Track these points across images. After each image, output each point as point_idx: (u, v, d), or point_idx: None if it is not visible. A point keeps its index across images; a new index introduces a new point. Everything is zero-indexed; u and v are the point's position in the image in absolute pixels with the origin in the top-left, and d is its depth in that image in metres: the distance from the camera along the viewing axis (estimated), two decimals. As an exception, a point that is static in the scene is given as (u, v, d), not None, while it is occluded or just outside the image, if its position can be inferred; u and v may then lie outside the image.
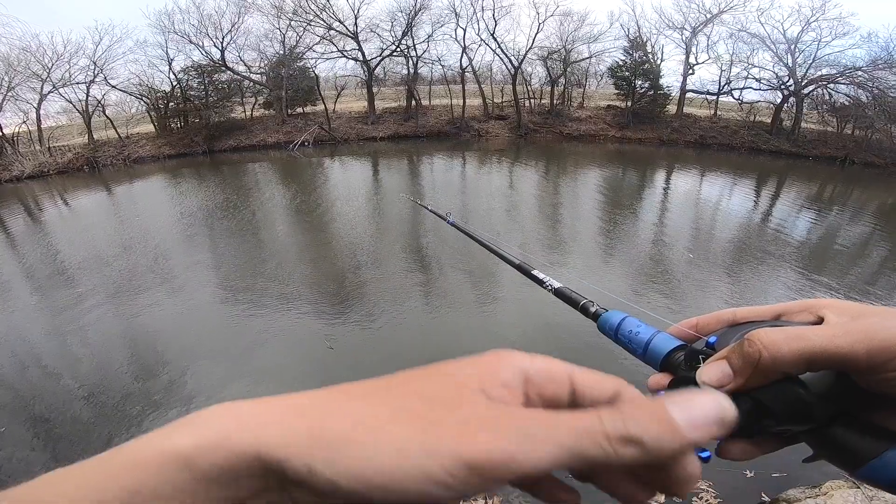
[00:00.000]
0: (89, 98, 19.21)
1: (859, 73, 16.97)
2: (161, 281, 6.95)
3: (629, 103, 20.92)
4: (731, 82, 20.39)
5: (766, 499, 3.12)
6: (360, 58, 21.48)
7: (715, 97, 20.89)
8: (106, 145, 19.06)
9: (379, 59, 21.66)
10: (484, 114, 22.18)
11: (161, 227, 9.97)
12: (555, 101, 21.99)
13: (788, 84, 18.81)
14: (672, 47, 29.08)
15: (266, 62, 21.51)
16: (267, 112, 22.13)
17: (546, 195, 12.44)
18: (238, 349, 5.02)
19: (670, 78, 22.56)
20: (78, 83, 19.00)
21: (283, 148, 19.48)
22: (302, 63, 21.84)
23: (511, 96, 21.68)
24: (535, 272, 0.60)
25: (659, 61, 20.60)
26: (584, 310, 0.50)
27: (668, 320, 0.41)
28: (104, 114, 19.82)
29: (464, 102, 21.50)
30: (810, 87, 18.50)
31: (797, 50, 18.39)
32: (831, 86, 18.14)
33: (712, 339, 0.34)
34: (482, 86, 22.40)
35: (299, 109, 22.26)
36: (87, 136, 19.15)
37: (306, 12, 20.13)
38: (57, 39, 21.59)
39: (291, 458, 0.19)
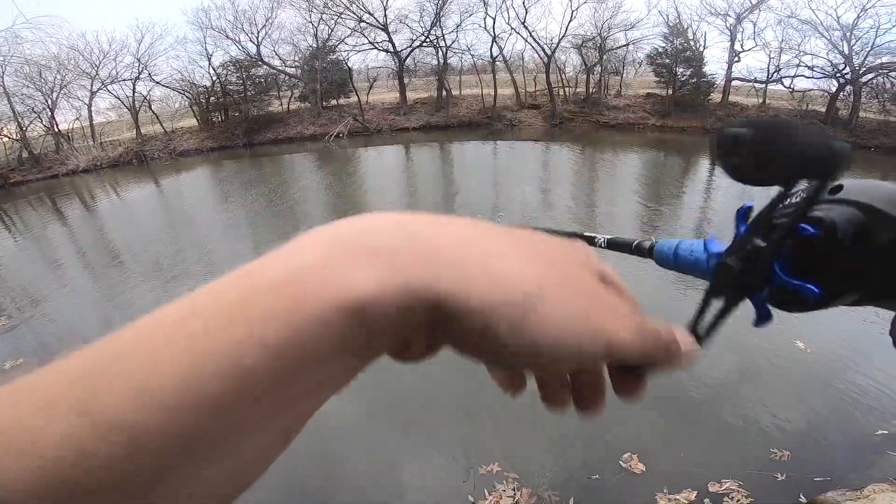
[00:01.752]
0: (135, 94, 20.06)
1: None
2: (205, 267, 7.25)
3: (670, 91, 20.11)
4: (780, 70, 19.27)
5: (804, 500, 3.04)
6: (391, 49, 21.53)
7: (763, 85, 19.81)
8: (153, 139, 19.90)
9: (409, 49, 21.65)
10: (516, 103, 21.84)
11: (207, 215, 10.38)
12: (591, 90, 21.38)
13: (844, 72, 17.63)
14: (715, 34, 27.77)
15: (300, 56, 21.90)
16: (302, 105, 22.55)
17: (583, 183, 12.20)
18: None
19: (714, 65, 21.51)
20: (124, 80, 19.87)
21: (319, 140, 19.82)
22: (335, 56, 22.09)
23: (544, 85, 21.24)
24: (585, 234, 0.58)
25: (702, 48, 19.67)
26: (638, 249, 0.48)
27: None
28: (150, 109, 20.66)
29: (495, 92, 21.23)
30: (869, 76, 17.29)
31: (853, 37, 17.17)
32: (893, 74, 16.91)
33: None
34: (514, 75, 22.03)
35: (333, 102, 22.57)
36: (135, 130, 20.03)
37: (336, 5, 20.31)
38: (102, 38, 22.56)
39: (472, 313, 0.17)
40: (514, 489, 3.18)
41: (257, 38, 20.56)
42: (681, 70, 19.78)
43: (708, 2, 19.48)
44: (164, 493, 0.15)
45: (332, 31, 21.17)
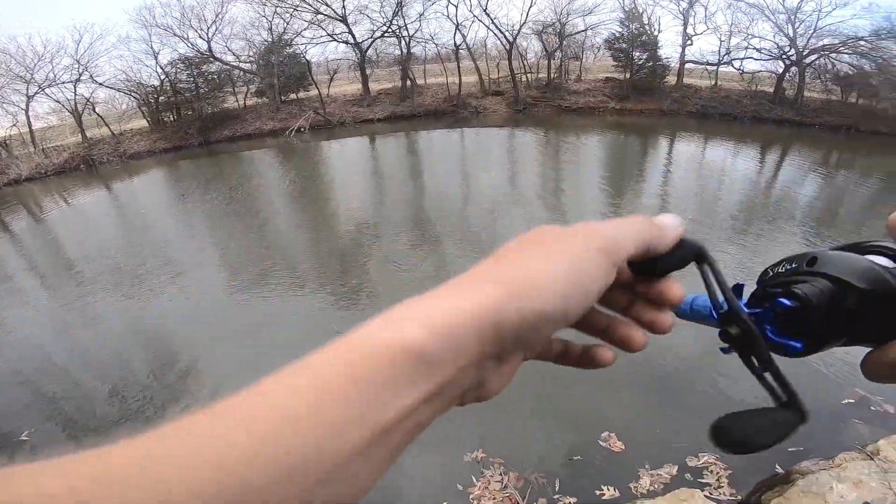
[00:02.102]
0: (77, 97, 18.81)
1: (862, 42, 16.65)
2: (172, 273, 6.92)
3: (628, 75, 20.57)
4: (730, 52, 20.00)
5: (781, 471, 3.16)
6: (351, 40, 21.01)
7: (715, 67, 20.52)
8: (101, 143, 18.74)
9: (371, 40, 21.19)
10: (481, 90, 21.85)
11: (163, 218, 9.90)
12: (552, 75, 21.62)
13: (790, 54, 18.46)
14: (669, 18, 28.53)
15: (255, 50, 21.06)
16: (260, 100, 21.76)
17: (548, 166, 12.34)
18: (245, 332, 5.01)
19: (669, 49, 22.00)
20: (63, 83, 18.57)
21: (280, 135, 19.21)
22: (292, 49, 21.37)
23: (507, 71, 21.32)
24: None
25: (656, 32, 20.17)
26: None
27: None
28: (94, 112, 19.44)
29: (459, 80, 21.15)
30: (812, 57, 18.17)
31: (797, 20, 17.98)
32: (834, 55, 17.82)
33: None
34: (477, 62, 22.00)
35: (293, 96, 21.87)
36: (79, 134, 18.81)
37: None
38: (36, 41, 20.94)
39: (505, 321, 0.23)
40: (500, 474, 3.18)
41: (207, 33, 19.61)
42: (637, 54, 20.21)
43: (660, -14, 19.94)
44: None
45: (287, 24, 20.46)
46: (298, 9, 19.91)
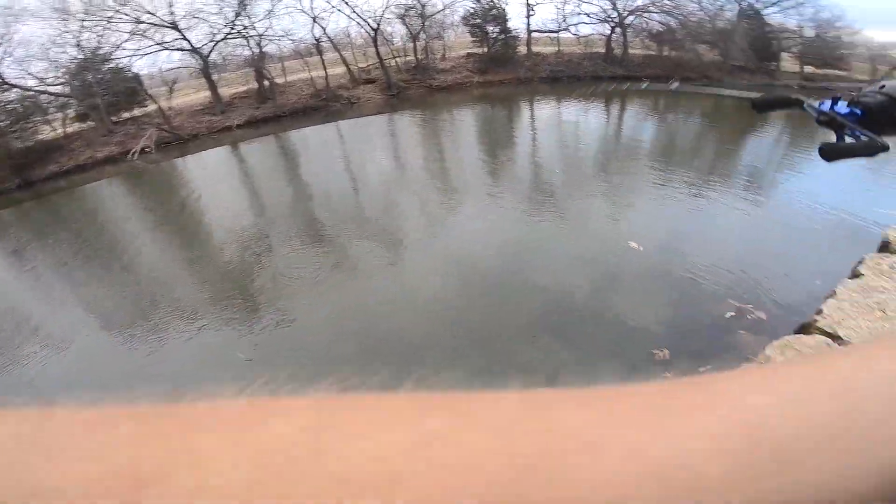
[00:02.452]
0: None
1: (666, 2, 19.67)
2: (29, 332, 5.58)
3: (485, 49, 21.70)
4: (566, 19, 22.13)
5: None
6: (187, 46, 18.77)
7: (556, 34, 22.56)
8: None
9: (212, 44, 19.17)
10: (350, 80, 21.23)
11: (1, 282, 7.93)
12: (419, 56, 21.89)
13: (613, 17, 21.03)
14: (511, -9, 30.25)
15: (63, 70, 17.69)
16: (84, 125, 18.47)
17: (429, 145, 12.51)
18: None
19: (516, 21, 23.68)
20: None
21: (121, 160, 16.55)
22: (113, 64, 18.43)
23: (376, 58, 21.02)
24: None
25: (504, 5, 21.54)
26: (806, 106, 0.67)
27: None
28: None
29: (325, 73, 20.27)
30: (630, 18, 20.93)
31: (616, -16, 20.49)
32: (646, 15, 20.71)
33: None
34: (342, 53, 21.30)
35: (125, 115, 18.93)
36: None
37: (102, 10, 16.83)
38: None
39: None
40: None
41: (-9, 58, 15.92)
42: (491, 28, 21.38)
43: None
44: None
45: (101, 38, 17.49)
46: (112, 20, 17.14)
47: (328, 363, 4.17)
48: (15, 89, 16.69)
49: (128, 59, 18.59)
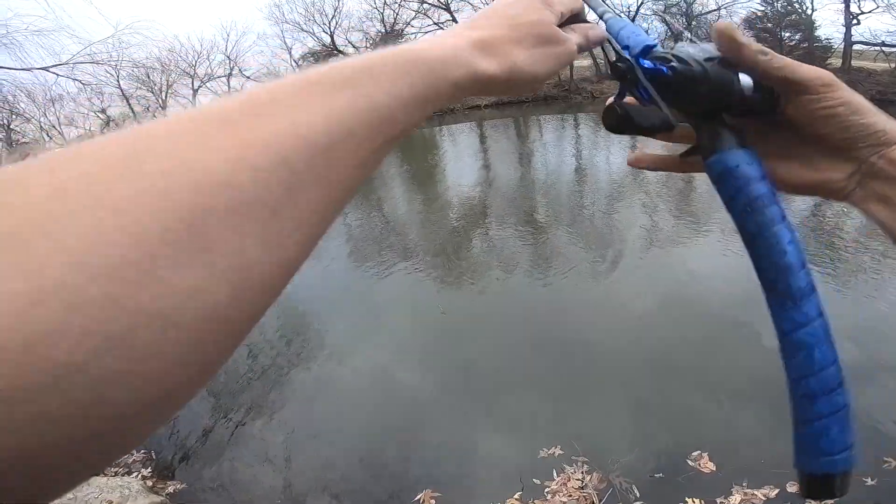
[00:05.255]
0: (231, 90, 21.89)
1: None
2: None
3: (779, 56, 18.11)
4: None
5: None
6: (455, 28, 21.34)
7: (894, 49, 17.14)
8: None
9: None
10: (596, 74, 20.77)
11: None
12: (678, 56, 19.79)
13: None
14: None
15: (371, 42, 22.41)
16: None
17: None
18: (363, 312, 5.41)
19: (829, 28, 18.76)
20: (219, 77, 21.77)
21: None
22: (403, 40, 22.33)
23: (620, 55, 20.03)
24: None
25: (810, 11, 17.39)
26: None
27: None
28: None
29: (571, 64, 20.31)
30: None
31: None
32: None
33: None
34: (591, 45, 21.00)
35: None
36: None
37: None
38: (193, 39, 24.71)
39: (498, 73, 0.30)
40: (583, 472, 3.17)
41: (329, 28, 21.35)
42: (787, 34, 17.79)
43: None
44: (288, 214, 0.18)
45: (397, 15, 21.38)
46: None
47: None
48: (340, 56, 21.99)
49: (414, 35, 22.26)
